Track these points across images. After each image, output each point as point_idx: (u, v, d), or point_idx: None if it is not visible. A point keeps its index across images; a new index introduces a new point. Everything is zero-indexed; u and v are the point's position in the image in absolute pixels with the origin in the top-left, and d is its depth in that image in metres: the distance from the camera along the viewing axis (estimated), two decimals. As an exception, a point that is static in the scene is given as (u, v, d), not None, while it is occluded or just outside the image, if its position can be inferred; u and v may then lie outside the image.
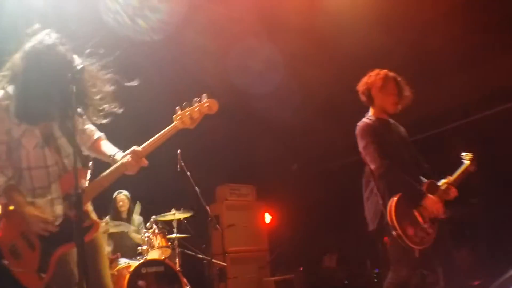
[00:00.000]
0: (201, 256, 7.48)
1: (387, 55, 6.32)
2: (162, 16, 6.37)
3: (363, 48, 6.77)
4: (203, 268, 7.80)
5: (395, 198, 3.93)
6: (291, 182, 10.37)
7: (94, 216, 3.27)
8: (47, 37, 3.07)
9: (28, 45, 3.06)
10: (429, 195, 3.99)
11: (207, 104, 3.13)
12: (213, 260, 7.64)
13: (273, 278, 8.85)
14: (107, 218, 6.75)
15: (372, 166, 4.12)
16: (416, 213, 3.97)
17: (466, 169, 4.40)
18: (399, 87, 4.34)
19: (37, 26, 3.13)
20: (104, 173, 3.17)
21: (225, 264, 8.16)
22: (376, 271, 8.29)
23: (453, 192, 4.21)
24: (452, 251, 4.11)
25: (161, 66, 7.17)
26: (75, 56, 3.12)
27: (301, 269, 9.08)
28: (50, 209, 3.06)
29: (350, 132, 9.24)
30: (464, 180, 4.36)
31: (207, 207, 7.04)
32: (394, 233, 3.85)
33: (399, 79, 4.38)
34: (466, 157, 4.49)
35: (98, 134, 3.48)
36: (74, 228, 2.70)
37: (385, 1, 6.34)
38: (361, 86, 4.47)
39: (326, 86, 8.08)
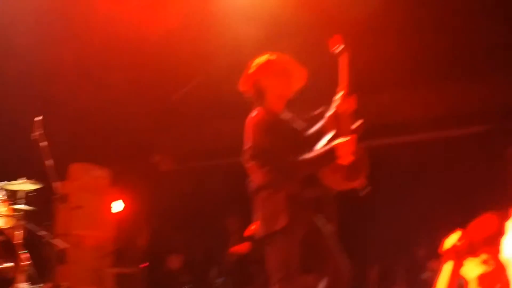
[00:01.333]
0: (42, 233, 6.91)
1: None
2: None
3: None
4: (44, 246, 7.24)
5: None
6: (150, 174, 10.06)
7: None
8: None
9: None
10: (334, 144, 3.38)
11: None
12: (54, 239, 7.10)
13: (113, 270, 8.48)
14: None
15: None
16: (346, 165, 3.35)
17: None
18: (289, 68, 3.73)
19: None
20: None
21: (66, 246, 7.60)
22: (221, 279, 8.20)
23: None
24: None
25: None
26: None
27: (145, 265, 8.76)
28: None
29: (214, 135, 9.19)
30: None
31: (56, 183, 6.57)
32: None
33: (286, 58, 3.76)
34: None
35: None
36: None
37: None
38: (245, 82, 3.78)
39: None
